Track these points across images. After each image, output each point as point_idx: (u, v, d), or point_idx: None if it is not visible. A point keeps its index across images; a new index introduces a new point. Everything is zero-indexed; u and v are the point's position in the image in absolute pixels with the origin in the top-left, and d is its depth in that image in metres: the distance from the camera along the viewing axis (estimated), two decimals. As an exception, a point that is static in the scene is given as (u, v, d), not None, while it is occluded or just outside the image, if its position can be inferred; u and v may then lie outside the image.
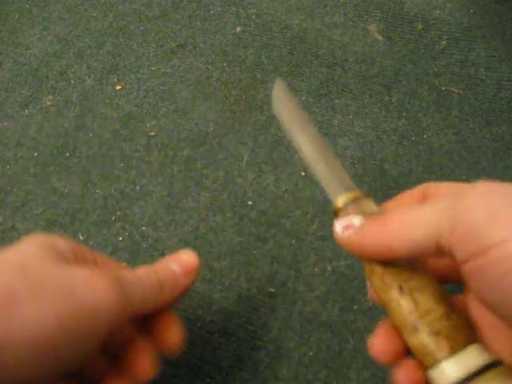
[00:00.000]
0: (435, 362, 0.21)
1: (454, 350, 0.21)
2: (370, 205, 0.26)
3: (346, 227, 0.24)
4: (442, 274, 0.25)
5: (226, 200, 0.40)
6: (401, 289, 0.23)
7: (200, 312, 0.36)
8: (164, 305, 0.28)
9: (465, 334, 0.22)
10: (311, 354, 0.34)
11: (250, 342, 0.34)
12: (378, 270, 0.24)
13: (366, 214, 0.25)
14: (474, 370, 0.20)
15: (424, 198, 0.26)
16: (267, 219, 0.39)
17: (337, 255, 0.37)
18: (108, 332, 0.23)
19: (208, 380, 0.33)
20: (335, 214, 0.27)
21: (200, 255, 0.38)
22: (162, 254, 0.38)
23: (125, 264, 0.32)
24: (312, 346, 0.34)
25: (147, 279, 0.26)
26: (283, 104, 0.32)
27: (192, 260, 0.29)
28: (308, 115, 0.31)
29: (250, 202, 0.40)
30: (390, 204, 0.27)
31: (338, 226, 0.25)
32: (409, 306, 0.22)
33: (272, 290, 0.36)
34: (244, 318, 0.35)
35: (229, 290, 0.36)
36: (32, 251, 0.24)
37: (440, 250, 0.20)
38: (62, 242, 0.26)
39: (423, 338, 0.22)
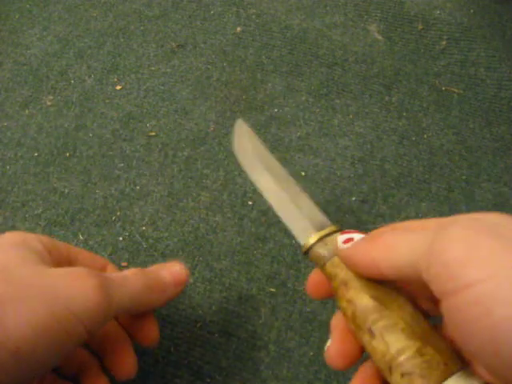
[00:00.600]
0: None
1: None
2: (335, 241, 0.26)
3: (346, 241, 0.24)
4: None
5: (226, 200, 0.40)
6: (371, 332, 0.22)
7: (200, 312, 0.36)
8: (150, 309, 0.28)
9: (441, 369, 0.21)
10: (311, 354, 0.34)
11: (250, 341, 0.34)
12: (348, 313, 0.23)
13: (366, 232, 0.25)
14: None
15: None
16: (267, 219, 0.39)
17: (337, 255, 0.37)
18: (90, 333, 0.23)
19: (208, 380, 0.33)
20: (305, 254, 0.27)
21: (200, 255, 0.38)
22: (162, 254, 0.38)
23: (103, 259, 0.32)
24: (312, 345, 0.34)
25: (135, 281, 0.27)
26: (243, 147, 0.32)
27: (182, 273, 0.30)
28: (271, 155, 0.31)
29: (250, 202, 0.40)
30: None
31: (340, 240, 0.25)
32: (380, 348, 0.22)
33: (272, 289, 0.36)
34: (244, 318, 0.35)
35: (229, 290, 0.36)
36: (11, 254, 0.24)
37: (423, 282, 0.19)
38: (35, 242, 0.26)
39: (397, 381, 0.21)
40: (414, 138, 0.45)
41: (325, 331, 0.35)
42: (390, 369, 0.21)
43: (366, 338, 0.23)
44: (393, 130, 0.45)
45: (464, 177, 0.43)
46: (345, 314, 0.24)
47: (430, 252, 0.18)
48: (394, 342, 0.21)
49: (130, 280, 0.26)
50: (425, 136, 0.45)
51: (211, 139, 0.44)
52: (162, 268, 0.29)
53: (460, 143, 0.45)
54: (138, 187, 0.41)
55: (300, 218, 0.28)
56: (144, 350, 0.34)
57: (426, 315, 0.23)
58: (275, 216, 0.40)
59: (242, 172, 0.42)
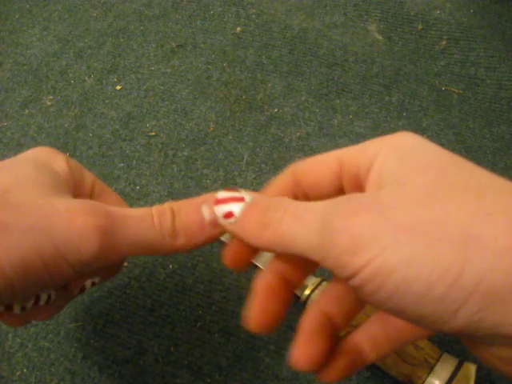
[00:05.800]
0: None
1: None
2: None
3: (227, 216, 0.22)
4: None
5: (225, 200, 0.40)
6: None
7: (200, 312, 0.36)
8: (176, 252, 0.25)
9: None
10: (311, 353, 0.34)
11: (250, 341, 0.34)
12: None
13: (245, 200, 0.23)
14: None
15: (296, 185, 0.23)
16: (267, 219, 0.39)
17: (337, 255, 0.37)
18: (80, 273, 0.22)
19: (208, 380, 0.33)
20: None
21: (200, 255, 0.38)
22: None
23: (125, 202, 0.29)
24: (312, 345, 0.34)
25: (149, 225, 0.23)
26: None
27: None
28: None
29: (249, 202, 0.40)
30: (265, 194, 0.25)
31: (219, 213, 0.22)
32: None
33: (272, 289, 0.36)
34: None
35: (229, 290, 0.36)
36: (24, 173, 0.22)
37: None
38: (62, 163, 0.24)
39: None
40: (413, 138, 0.45)
41: (325, 331, 0.35)
42: None
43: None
44: (393, 129, 0.45)
45: (464, 177, 0.43)
46: None
47: (321, 247, 0.19)
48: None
49: (143, 223, 0.23)
50: (425, 136, 0.45)
51: (211, 139, 0.44)
52: (207, 201, 0.24)
53: (460, 143, 0.45)
54: (137, 187, 0.41)
55: None
56: (144, 349, 0.34)
57: None
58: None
59: (241, 172, 0.42)
